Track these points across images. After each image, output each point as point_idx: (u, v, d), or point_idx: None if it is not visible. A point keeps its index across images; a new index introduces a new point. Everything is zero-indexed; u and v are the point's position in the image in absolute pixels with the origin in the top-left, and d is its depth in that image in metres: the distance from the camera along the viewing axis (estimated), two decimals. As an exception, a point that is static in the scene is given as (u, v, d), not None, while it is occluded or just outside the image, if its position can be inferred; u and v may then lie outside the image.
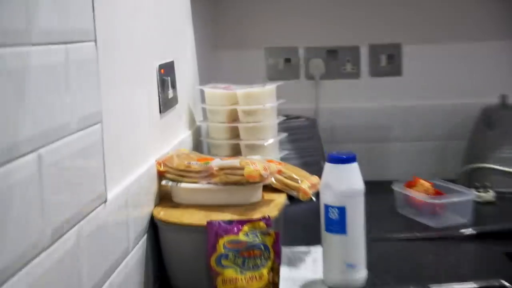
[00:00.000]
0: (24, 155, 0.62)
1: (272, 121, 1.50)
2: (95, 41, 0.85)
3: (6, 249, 0.59)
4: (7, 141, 0.60)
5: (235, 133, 1.50)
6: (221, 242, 1.02)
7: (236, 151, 1.48)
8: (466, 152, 1.80)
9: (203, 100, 1.54)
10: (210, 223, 1.04)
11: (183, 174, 1.16)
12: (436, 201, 1.47)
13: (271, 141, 1.48)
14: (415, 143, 1.91)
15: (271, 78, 1.87)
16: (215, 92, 1.50)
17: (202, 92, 1.54)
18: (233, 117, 1.50)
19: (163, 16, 1.30)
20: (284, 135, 1.56)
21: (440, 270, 1.22)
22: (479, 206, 1.51)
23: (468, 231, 1.39)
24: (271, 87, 1.50)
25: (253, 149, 1.44)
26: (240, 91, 1.46)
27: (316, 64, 1.91)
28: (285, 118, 1.58)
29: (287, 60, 1.92)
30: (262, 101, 1.47)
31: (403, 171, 1.79)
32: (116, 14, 1.00)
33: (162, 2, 1.29)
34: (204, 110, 1.57)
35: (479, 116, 1.78)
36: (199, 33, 1.62)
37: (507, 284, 1.10)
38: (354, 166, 1.14)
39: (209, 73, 1.77)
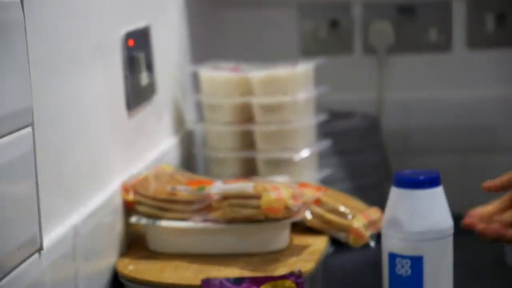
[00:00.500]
0: None
1: (307, 122, 1.50)
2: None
3: None
4: None
5: (248, 141, 1.50)
6: None
7: (250, 169, 1.49)
8: None
9: (198, 89, 1.53)
10: (207, 283, 1.05)
11: (165, 206, 1.17)
12: None
13: (305, 153, 1.48)
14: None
15: (308, 52, 1.88)
16: (217, 76, 1.50)
17: (196, 76, 1.54)
18: (246, 115, 1.50)
19: None
20: (326, 143, 1.54)
21: None
22: None
23: None
24: (306, 67, 1.49)
25: (277, 165, 1.46)
26: (257, 74, 1.47)
27: (380, 29, 1.94)
28: (329, 116, 1.56)
29: (334, 24, 1.94)
30: (292, 89, 1.46)
31: None
32: None
33: None
34: (199, 104, 1.57)
35: None
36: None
37: None
38: (438, 192, 1.14)
39: (207, 45, 1.78)
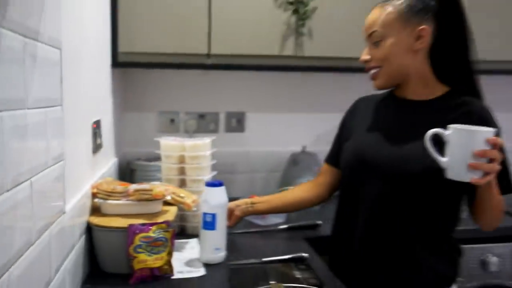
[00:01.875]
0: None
1: (208, 163, 1.42)
2: (61, 105, 0.85)
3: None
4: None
5: (182, 171, 1.39)
6: (137, 237, 1.05)
7: (182, 184, 1.39)
8: (280, 180, 1.86)
9: (158, 147, 1.41)
10: (130, 226, 1.06)
11: (110, 194, 1.15)
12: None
13: (209, 176, 1.41)
14: (253, 174, 1.93)
15: (161, 132, 1.82)
16: (170, 142, 1.40)
17: (158, 142, 1.43)
18: (182, 160, 1.39)
19: (96, 85, 1.24)
20: (214, 172, 1.43)
21: (267, 250, 1.26)
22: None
23: (283, 226, 1.46)
24: (208, 139, 1.42)
25: (195, 182, 1.38)
26: (187, 142, 1.39)
27: (191, 123, 1.88)
28: (215, 161, 1.45)
29: (172, 120, 1.87)
30: (203, 149, 1.39)
31: (247, 191, 1.80)
32: (80, 84, 0.99)
33: (95, 74, 1.23)
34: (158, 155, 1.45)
35: (289, 158, 1.87)
36: (115, 99, 1.58)
37: (305, 255, 1.18)
38: (222, 188, 1.17)
39: (120, 128, 1.71)
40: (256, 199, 1.36)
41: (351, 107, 1.26)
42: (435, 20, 1.04)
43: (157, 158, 1.60)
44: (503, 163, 0.99)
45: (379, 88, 1.12)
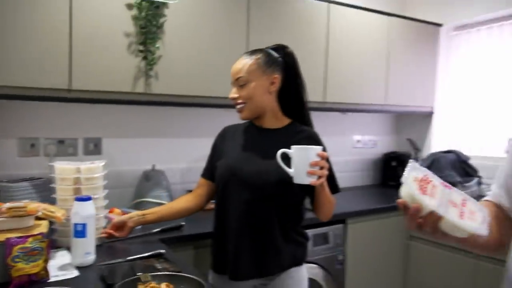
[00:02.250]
0: None
1: (101, 184, 1.41)
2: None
3: None
4: None
5: (79, 191, 1.36)
6: (15, 249, 1.06)
7: None
8: (134, 194, 1.88)
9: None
10: (8, 239, 1.06)
11: None
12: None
13: (102, 194, 1.40)
14: (110, 190, 1.65)
15: (21, 156, 1.78)
16: (66, 166, 1.36)
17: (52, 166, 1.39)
18: (77, 181, 1.36)
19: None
20: (107, 191, 1.42)
21: (130, 251, 1.27)
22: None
23: (156, 229, 1.52)
24: (102, 163, 1.41)
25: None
26: (83, 165, 1.37)
27: (51, 148, 1.85)
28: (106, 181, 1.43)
29: (32, 145, 1.82)
30: (97, 172, 1.38)
31: (107, 205, 1.55)
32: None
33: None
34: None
35: (141, 175, 1.91)
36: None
37: (162, 251, 1.25)
38: (90, 201, 1.19)
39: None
40: (146, 211, 1.40)
41: (221, 133, 1.40)
42: (282, 71, 1.28)
43: (20, 179, 1.59)
44: (330, 170, 1.21)
45: (244, 119, 1.30)
